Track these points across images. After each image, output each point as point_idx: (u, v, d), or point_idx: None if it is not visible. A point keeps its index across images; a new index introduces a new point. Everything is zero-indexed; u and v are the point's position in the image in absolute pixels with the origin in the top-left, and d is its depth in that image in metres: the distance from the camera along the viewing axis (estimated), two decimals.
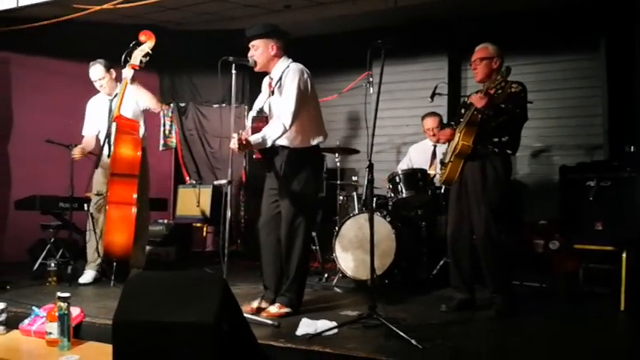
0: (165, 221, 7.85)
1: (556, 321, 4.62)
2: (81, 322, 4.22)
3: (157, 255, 7.37)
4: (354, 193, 6.44)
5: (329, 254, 6.28)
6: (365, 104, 5.51)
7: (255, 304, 4.57)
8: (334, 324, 3.98)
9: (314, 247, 6.56)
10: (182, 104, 8.88)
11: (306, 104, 4.55)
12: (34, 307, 4.35)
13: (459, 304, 4.73)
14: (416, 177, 5.95)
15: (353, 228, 5.79)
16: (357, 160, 8.28)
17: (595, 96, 7.05)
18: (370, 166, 4.14)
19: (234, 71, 4.46)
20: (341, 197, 6.67)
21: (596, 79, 7.02)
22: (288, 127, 4.41)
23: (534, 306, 5.00)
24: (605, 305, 4.97)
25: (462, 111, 4.94)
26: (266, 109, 4.71)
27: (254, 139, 4.37)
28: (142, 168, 5.73)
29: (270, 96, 4.68)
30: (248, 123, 4.76)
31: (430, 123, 6.52)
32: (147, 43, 5.75)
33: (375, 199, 6.14)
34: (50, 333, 3.95)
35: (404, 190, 5.91)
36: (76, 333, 4.09)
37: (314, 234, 6.46)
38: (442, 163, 4.98)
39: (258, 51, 4.59)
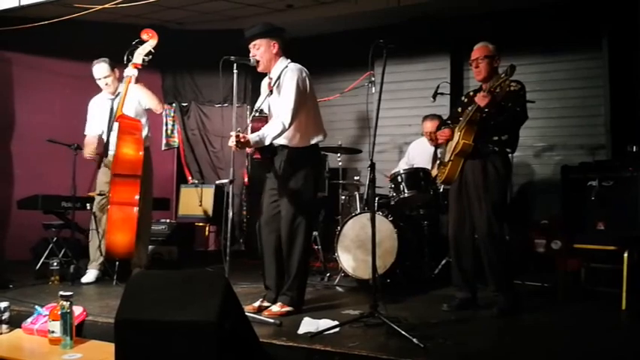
0: (168, 221, 7.86)
1: (558, 320, 4.61)
2: (83, 321, 4.23)
3: (159, 254, 7.37)
4: (356, 193, 6.44)
5: (331, 253, 6.29)
6: (367, 104, 5.51)
7: (257, 304, 4.58)
8: (336, 323, 3.99)
9: (316, 247, 6.58)
10: (184, 104, 8.89)
11: (305, 103, 4.56)
12: (36, 306, 4.35)
13: (461, 303, 4.73)
14: (418, 176, 5.95)
15: (355, 227, 5.80)
16: (359, 159, 8.30)
17: (598, 96, 7.03)
18: (372, 166, 4.14)
19: (235, 71, 4.47)
20: (343, 197, 6.67)
21: (598, 79, 7.00)
22: (287, 126, 4.42)
23: (536, 305, 4.99)
24: (607, 305, 4.96)
25: (459, 110, 4.95)
26: (266, 109, 4.72)
27: (253, 137, 4.38)
28: (145, 168, 5.73)
29: (269, 96, 4.69)
30: (249, 122, 4.75)
31: (429, 127, 6.50)
32: (149, 42, 5.76)
33: (377, 198, 6.14)
34: (53, 332, 3.95)
35: (406, 190, 5.91)
36: (78, 332, 4.08)
37: (316, 233, 6.48)
38: (441, 162, 4.98)
39: (260, 50, 4.60)
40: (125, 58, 5.74)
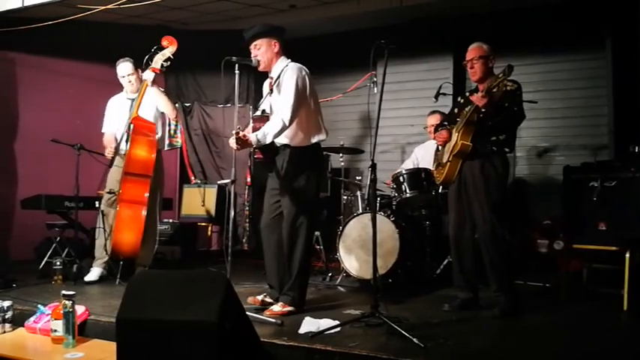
0: (171, 220, 7.89)
1: (559, 320, 4.62)
2: (86, 320, 4.26)
3: (162, 254, 7.38)
4: (359, 193, 6.45)
5: (333, 254, 6.30)
6: (368, 104, 5.52)
7: (260, 297, 4.62)
8: (337, 322, 4.00)
9: (318, 247, 6.58)
10: (187, 104, 8.92)
11: (306, 102, 4.58)
12: (39, 305, 4.39)
13: (462, 304, 4.74)
14: (420, 176, 5.96)
15: (357, 227, 5.80)
16: (361, 160, 8.31)
17: (600, 96, 7.03)
18: (373, 166, 4.14)
19: (237, 71, 4.48)
20: (345, 197, 6.68)
21: (601, 79, 7.00)
22: (287, 123, 4.42)
23: (538, 305, 4.99)
24: (609, 305, 4.96)
25: (455, 111, 4.95)
26: (267, 109, 4.73)
27: (254, 136, 4.39)
28: (156, 169, 5.81)
29: (269, 95, 4.71)
30: (250, 122, 4.77)
31: (432, 121, 6.51)
32: (169, 48, 5.85)
33: (379, 198, 6.16)
34: (55, 330, 3.99)
35: (408, 190, 5.93)
36: (80, 331, 4.12)
37: (318, 233, 6.48)
38: (439, 163, 4.98)
39: (261, 50, 4.61)
40: (144, 62, 5.83)
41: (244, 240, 8.61)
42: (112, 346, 3.83)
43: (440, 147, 5.04)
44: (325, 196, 7.04)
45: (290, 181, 4.59)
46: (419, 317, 4.43)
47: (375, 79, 6.50)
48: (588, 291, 5.49)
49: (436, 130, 5.08)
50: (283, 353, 3.63)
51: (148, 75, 5.79)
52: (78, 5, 6.68)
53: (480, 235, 4.66)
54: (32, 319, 4.31)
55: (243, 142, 4.34)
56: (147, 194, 5.68)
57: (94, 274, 5.86)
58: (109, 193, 5.86)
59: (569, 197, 5.44)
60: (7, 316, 4.31)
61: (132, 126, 5.71)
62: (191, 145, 8.90)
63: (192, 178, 8.76)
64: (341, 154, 6.81)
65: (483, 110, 4.48)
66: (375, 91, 6.43)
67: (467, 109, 4.66)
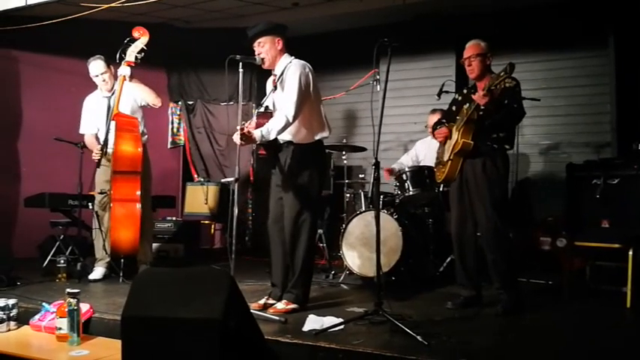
0: (174, 218, 7.89)
1: (562, 318, 4.63)
2: (90, 318, 4.27)
3: (165, 252, 7.42)
4: (361, 191, 6.46)
5: (336, 251, 6.31)
6: (371, 102, 5.51)
7: (262, 301, 4.61)
8: (340, 320, 4.01)
9: (321, 245, 6.59)
10: (190, 102, 8.93)
11: (309, 99, 4.58)
12: (44, 303, 4.41)
13: (465, 301, 4.74)
14: (423, 174, 5.96)
15: (360, 225, 5.81)
16: (364, 157, 8.29)
17: (603, 93, 7.02)
18: (376, 164, 4.15)
19: (240, 70, 4.49)
20: (348, 195, 6.69)
21: (604, 77, 6.99)
22: (291, 120, 4.43)
23: (540, 303, 5.00)
24: (612, 303, 4.98)
25: (454, 108, 4.95)
26: (270, 106, 4.74)
27: (257, 132, 4.40)
28: (143, 164, 5.77)
29: (273, 92, 4.71)
30: (253, 119, 4.76)
31: (433, 119, 6.49)
32: (140, 40, 5.77)
33: (381, 196, 6.16)
34: (60, 328, 4.00)
35: (410, 188, 5.93)
36: (85, 328, 4.13)
37: (321, 231, 6.50)
38: (439, 162, 4.98)
39: (265, 47, 4.61)
40: (118, 56, 5.76)
41: (247, 238, 8.62)
42: (117, 343, 3.85)
43: (439, 145, 5.03)
44: (328, 193, 7.03)
45: (293, 178, 4.59)
46: (422, 315, 4.44)
47: (377, 77, 6.48)
48: (591, 288, 5.48)
49: (434, 128, 5.07)
50: (287, 351, 3.63)
51: (124, 70, 5.69)
52: (81, 4, 6.69)
53: (482, 232, 4.67)
54: (37, 316, 4.33)
55: (247, 138, 4.35)
56: (138, 191, 5.64)
57: (97, 272, 5.88)
58: (100, 193, 5.86)
59: (572, 195, 5.44)
60: (11, 314, 4.33)
61: (114, 123, 5.66)
62: (194, 143, 8.92)
63: (195, 175, 8.77)
64: (344, 152, 6.82)
65: (483, 108, 4.48)
66: (378, 89, 6.42)
67: (466, 106, 4.66)
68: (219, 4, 7.62)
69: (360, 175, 6.78)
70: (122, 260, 5.72)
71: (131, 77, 5.74)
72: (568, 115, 7.25)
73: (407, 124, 7.94)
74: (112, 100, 5.82)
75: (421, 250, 6.11)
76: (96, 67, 5.93)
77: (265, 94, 4.88)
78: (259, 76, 7.66)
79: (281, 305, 4.48)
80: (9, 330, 4.30)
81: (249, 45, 4.66)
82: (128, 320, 3.13)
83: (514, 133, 4.73)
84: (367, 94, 7.94)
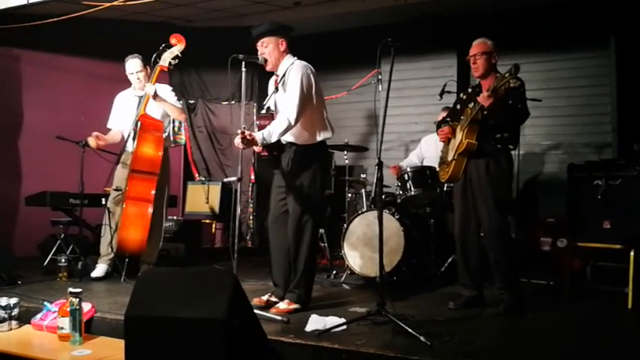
0: (175, 218, 7.89)
1: (564, 319, 4.63)
2: (92, 318, 4.27)
3: (166, 251, 7.37)
4: (363, 191, 6.45)
5: (337, 251, 6.31)
6: (374, 102, 5.53)
7: (265, 297, 4.62)
8: (343, 320, 4.01)
9: (322, 244, 6.59)
10: (191, 101, 8.92)
11: (311, 100, 4.57)
12: (45, 303, 4.41)
13: (467, 302, 4.74)
14: (425, 174, 5.96)
15: (361, 225, 5.81)
16: (364, 157, 8.31)
17: (604, 94, 7.04)
18: (380, 164, 4.15)
19: (244, 69, 4.49)
20: (350, 194, 6.69)
21: (605, 77, 7.00)
22: (292, 122, 4.42)
23: (542, 303, 5.00)
24: (613, 303, 4.97)
25: (458, 107, 4.94)
26: (272, 107, 4.74)
27: (259, 135, 4.40)
28: (163, 167, 5.81)
29: (274, 93, 4.71)
30: (256, 120, 4.77)
31: (442, 117, 6.49)
32: (177, 46, 5.85)
33: (383, 196, 6.15)
34: (62, 328, 3.99)
35: (412, 188, 5.93)
36: (87, 328, 4.12)
37: (322, 231, 6.49)
38: (443, 161, 4.98)
39: (269, 48, 4.61)
40: (152, 60, 5.83)
41: (248, 237, 8.62)
42: (119, 343, 3.85)
43: (443, 144, 5.03)
44: (329, 193, 7.04)
45: (295, 179, 4.59)
46: (424, 315, 4.44)
47: (380, 77, 6.50)
48: (592, 289, 5.49)
49: (438, 127, 5.07)
50: (290, 351, 3.63)
51: (150, 89, 5.72)
52: (83, 2, 6.69)
53: (485, 232, 4.67)
54: (39, 316, 4.32)
55: (249, 141, 4.35)
56: (153, 192, 5.68)
57: (99, 270, 5.87)
58: (116, 190, 5.86)
59: (573, 195, 5.43)
60: (13, 313, 4.32)
61: (139, 123, 5.71)
62: (195, 143, 8.91)
63: (197, 175, 8.76)
64: (345, 152, 6.81)
65: (487, 108, 4.47)
66: (380, 89, 6.43)
67: (470, 106, 4.65)
68: (220, 3, 7.62)
69: (362, 175, 6.76)
70: (126, 260, 5.71)
71: (155, 96, 5.74)
72: (568, 116, 7.26)
73: (408, 123, 7.95)
74: (142, 100, 5.85)
75: (422, 250, 6.11)
76: (132, 65, 5.97)
77: (267, 94, 4.87)
78: (261, 75, 7.66)
79: (283, 305, 4.48)
80: (10, 329, 4.29)
81: (253, 44, 4.65)
82: (131, 320, 3.12)
83: (518, 133, 4.73)
84: (368, 93, 7.97)
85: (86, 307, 4.19)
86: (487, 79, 4.67)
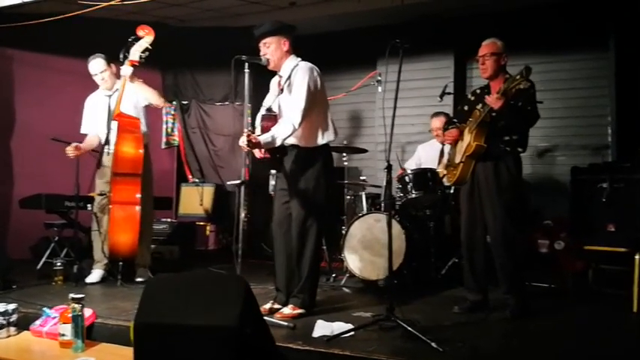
0: (169, 220, 7.80)
1: (570, 322, 4.61)
2: (93, 324, 4.18)
3: (160, 254, 7.30)
4: (362, 193, 6.39)
5: (336, 254, 6.25)
6: (375, 101, 5.47)
7: (267, 306, 4.53)
8: (350, 326, 3.96)
9: (322, 247, 6.52)
10: (185, 102, 8.84)
11: (316, 103, 4.50)
12: (45, 308, 4.30)
13: (472, 306, 4.69)
14: (425, 177, 5.91)
15: (362, 228, 5.76)
16: (360, 158, 8.25)
17: (603, 96, 7.02)
18: (388, 167, 4.08)
19: (246, 70, 4.42)
20: (348, 197, 6.63)
21: (604, 79, 6.98)
22: (297, 126, 4.37)
23: (546, 307, 4.95)
24: (617, 306, 4.95)
25: (466, 108, 4.89)
26: (274, 108, 4.66)
27: (263, 138, 4.33)
28: (145, 166, 5.67)
29: (279, 94, 4.63)
30: (258, 121, 4.69)
31: (436, 123, 6.46)
32: (145, 38, 5.64)
33: (382, 198, 6.12)
34: (63, 334, 3.89)
35: (413, 190, 5.88)
36: (88, 334, 4.02)
37: None
38: (450, 163, 4.93)
39: (271, 48, 4.53)
40: (121, 55, 5.64)
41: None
42: (122, 350, 3.80)
43: (450, 147, 4.97)
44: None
45: (299, 183, 4.52)
46: (430, 319, 4.38)
47: (379, 78, 6.45)
48: (594, 292, 5.46)
49: (445, 129, 5.01)
50: (298, 357, 3.58)
51: (126, 70, 5.58)
52: (77, 2, 6.59)
53: (492, 236, 4.62)
54: (38, 322, 4.21)
55: (254, 145, 4.28)
56: (138, 194, 5.53)
57: (95, 275, 5.78)
58: (100, 195, 5.75)
59: (577, 198, 5.41)
60: (11, 320, 4.21)
61: (116, 123, 5.56)
62: (188, 144, 8.83)
63: (190, 176, 8.68)
64: (344, 154, 6.75)
65: (496, 110, 4.42)
66: (379, 90, 6.38)
67: (479, 107, 4.60)
68: (215, 2, 7.55)
69: (362, 177, 6.70)
70: (120, 263, 5.61)
71: (133, 77, 5.61)
72: (567, 118, 7.24)
73: (405, 125, 7.87)
74: (113, 100, 5.71)
75: (423, 253, 6.06)
76: (95, 65, 5.82)
77: (263, 95, 4.80)
78: (256, 75, 7.58)
79: (288, 310, 4.42)
80: (9, 336, 4.16)
81: (256, 43, 4.57)
82: (140, 327, 3.04)
83: (527, 135, 4.68)
84: (366, 94, 7.93)
85: (87, 312, 4.08)
86: (496, 81, 4.62)
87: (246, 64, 4.41)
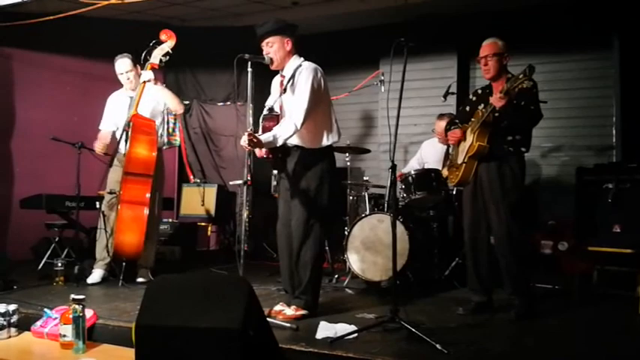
0: (170, 220, 7.77)
1: (576, 323, 4.57)
2: (94, 325, 4.14)
3: (161, 254, 7.26)
4: (365, 193, 6.35)
5: (338, 255, 6.21)
6: (379, 101, 5.44)
7: (278, 308, 4.46)
8: (353, 328, 3.91)
9: (325, 248, 6.48)
10: (186, 102, 8.75)
11: (320, 104, 4.46)
12: (45, 309, 4.27)
13: (476, 307, 4.66)
14: (429, 177, 5.87)
15: (364, 229, 5.71)
16: (363, 159, 8.22)
17: (607, 96, 6.98)
18: (393, 168, 4.04)
19: (249, 69, 4.37)
20: (351, 197, 6.58)
21: (608, 79, 6.95)
22: (299, 127, 4.32)
23: (551, 308, 4.92)
24: (622, 308, 4.90)
25: (468, 109, 4.85)
26: (276, 108, 4.61)
27: (265, 138, 4.29)
28: (157, 168, 5.69)
29: (281, 94, 4.59)
30: (259, 121, 4.65)
31: (441, 124, 6.40)
32: (167, 43, 5.72)
33: (386, 199, 6.07)
34: (64, 335, 3.86)
35: (416, 191, 5.84)
36: (89, 335, 3.99)
37: None
38: (452, 164, 4.88)
39: (274, 47, 4.49)
40: (142, 58, 5.71)
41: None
42: (123, 351, 3.76)
43: (452, 147, 4.93)
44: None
45: (302, 183, 4.48)
46: (434, 321, 4.35)
47: (382, 78, 6.41)
48: (598, 293, 5.41)
49: (448, 129, 4.96)
50: (302, 359, 3.53)
51: (147, 74, 5.65)
52: (77, 1, 6.56)
53: (496, 236, 4.58)
54: (39, 323, 4.18)
55: (255, 144, 4.24)
56: (148, 194, 5.55)
57: (96, 275, 5.74)
58: (110, 193, 5.73)
59: (582, 199, 5.36)
60: (12, 320, 4.18)
61: (131, 124, 5.57)
62: (190, 144, 8.79)
63: (192, 177, 8.64)
64: (347, 154, 6.71)
65: (499, 110, 4.37)
66: (383, 90, 6.34)
67: (481, 107, 4.56)
68: (216, 2, 7.53)
69: (365, 178, 6.65)
70: (124, 263, 5.57)
71: (155, 80, 5.65)
72: (571, 118, 7.20)
73: (407, 125, 7.83)
74: (134, 100, 5.71)
75: (426, 254, 6.02)
76: (122, 64, 5.84)
77: (265, 95, 4.76)
78: (257, 76, 7.55)
79: (290, 311, 4.37)
80: (9, 337, 4.13)
81: (259, 43, 4.53)
82: (143, 329, 3.00)
83: (530, 135, 4.64)
84: (368, 95, 7.89)
85: (88, 313, 4.05)
86: (498, 81, 4.58)
87: (249, 64, 4.35)
